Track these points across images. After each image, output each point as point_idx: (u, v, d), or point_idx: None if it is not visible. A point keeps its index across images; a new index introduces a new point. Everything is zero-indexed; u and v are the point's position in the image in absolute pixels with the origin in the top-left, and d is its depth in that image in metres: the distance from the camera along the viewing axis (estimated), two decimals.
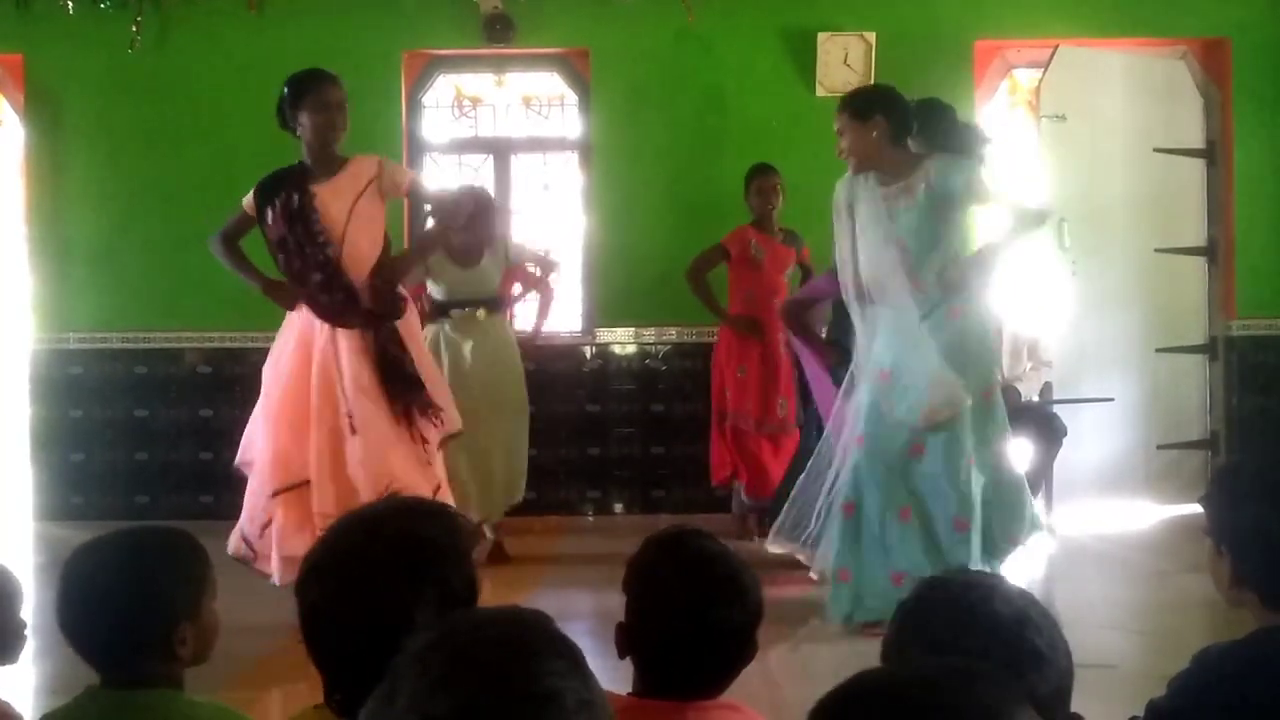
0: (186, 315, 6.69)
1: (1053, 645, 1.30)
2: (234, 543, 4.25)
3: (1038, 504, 5.75)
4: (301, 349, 4.29)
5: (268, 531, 4.19)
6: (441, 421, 4.32)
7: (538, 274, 6.02)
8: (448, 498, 4.24)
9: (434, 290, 5.57)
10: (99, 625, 1.71)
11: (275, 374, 4.36)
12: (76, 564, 1.75)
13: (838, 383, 4.70)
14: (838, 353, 5.11)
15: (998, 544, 4.20)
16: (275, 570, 4.12)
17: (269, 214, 4.34)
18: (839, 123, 4.21)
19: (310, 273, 4.28)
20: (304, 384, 4.25)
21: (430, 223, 5.32)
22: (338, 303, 4.26)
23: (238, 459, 4.43)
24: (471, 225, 5.34)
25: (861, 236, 4.24)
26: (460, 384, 5.13)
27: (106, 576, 1.72)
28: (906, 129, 4.23)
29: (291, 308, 4.37)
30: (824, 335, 5.32)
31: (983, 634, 1.28)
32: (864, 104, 4.21)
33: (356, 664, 1.45)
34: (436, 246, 5.02)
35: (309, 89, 4.30)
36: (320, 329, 4.28)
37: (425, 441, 4.27)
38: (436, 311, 5.55)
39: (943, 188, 4.14)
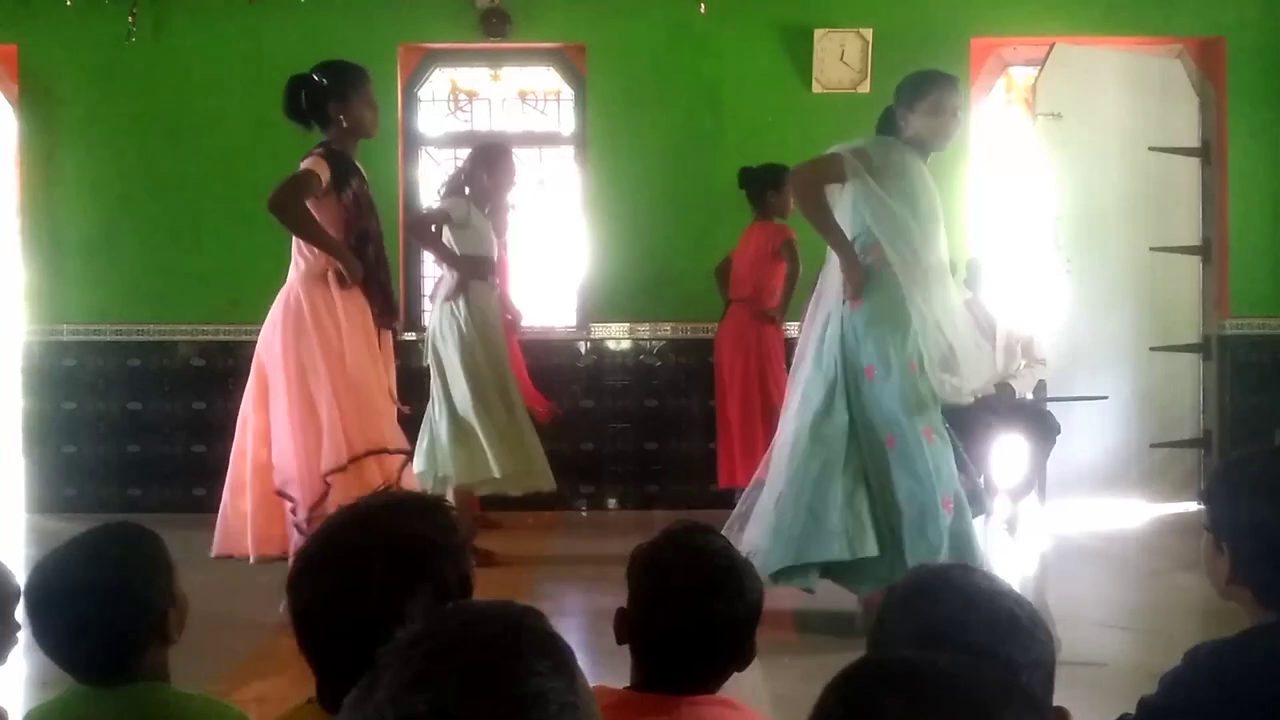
0: (180, 308, 6.68)
1: (1032, 619, 1.33)
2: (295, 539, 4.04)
3: (1027, 510, 5.78)
4: (368, 339, 4.24)
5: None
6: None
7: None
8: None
9: (464, 244, 5.38)
10: (94, 639, 1.69)
11: (358, 361, 4.18)
12: (50, 584, 1.71)
13: None
14: None
15: None
16: None
17: (346, 194, 4.21)
18: (960, 99, 4.19)
19: (382, 268, 4.31)
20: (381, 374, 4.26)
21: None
22: (395, 304, 4.36)
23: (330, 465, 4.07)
24: (495, 175, 5.45)
25: (905, 204, 4.07)
26: (499, 358, 5.39)
27: (92, 590, 1.69)
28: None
29: (355, 284, 4.20)
30: None
31: (965, 604, 1.32)
32: None
33: (349, 660, 1.44)
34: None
35: (361, 82, 4.26)
36: (366, 324, 4.23)
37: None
38: (475, 270, 5.36)
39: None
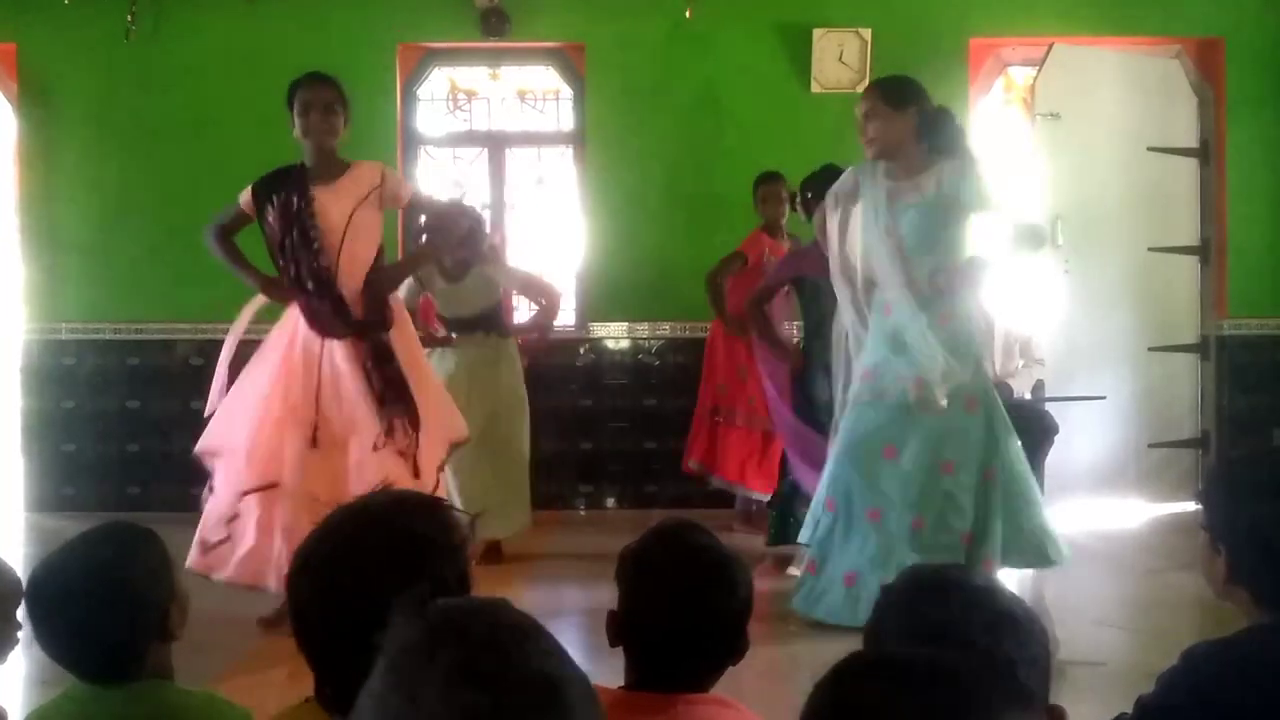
0: (179, 307, 6.68)
1: (1029, 617, 1.34)
2: (193, 555, 4.05)
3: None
4: (292, 349, 4.25)
5: (232, 526, 4.07)
6: (414, 435, 4.21)
7: (539, 301, 5.98)
8: None
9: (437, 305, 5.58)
10: (96, 639, 1.69)
11: (264, 368, 4.28)
12: (50, 585, 1.71)
13: (804, 388, 4.97)
14: (800, 355, 5.15)
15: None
16: (231, 568, 4.03)
17: (269, 213, 4.29)
18: (867, 106, 4.15)
19: (305, 279, 4.25)
20: (291, 384, 4.21)
21: (424, 235, 5.23)
22: (326, 312, 4.23)
23: (201, 446, 4.27)
24: (460, 243, 5.32)
25: (860, 228, 4.21)
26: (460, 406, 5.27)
27: (92, 591, 1.69)
28: (929, 129, 4.19)
29: (286, 303, 4.34)
30: (795, 332, 5.37)
31: (960, 604, 1.32)
32: (900, 94, 4.16)
33: (348, 659, 1.45)
34: (428, 260, 5.03)
35: (296, 90, 4.27)
36: (314, 334, 4.26)
37: (413, 456, 4.20)
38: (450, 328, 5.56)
39: (953, 192, 4.14)
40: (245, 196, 4.37)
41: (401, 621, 0.95)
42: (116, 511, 6.14)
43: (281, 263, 4.30)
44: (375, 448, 4.12)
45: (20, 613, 1.95)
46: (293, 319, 4.30)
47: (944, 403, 4.07)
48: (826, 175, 5.04)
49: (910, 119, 4.14)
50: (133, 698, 1.71)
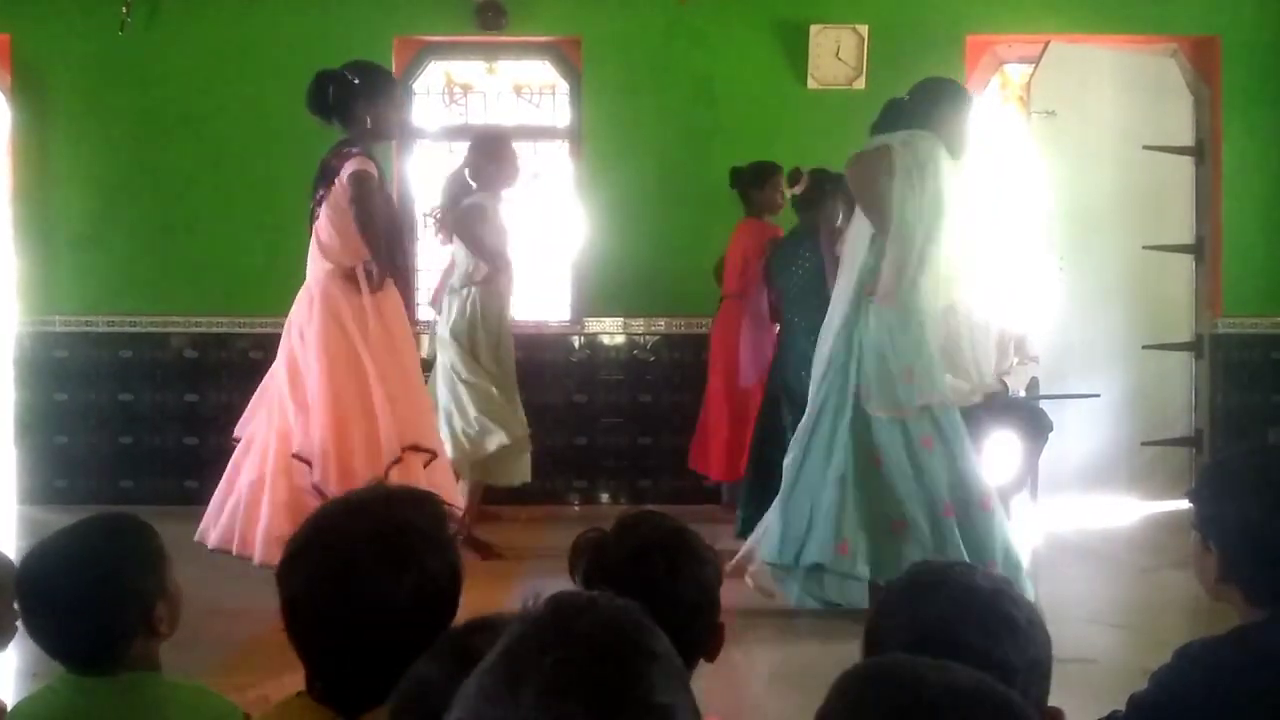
0: (173, 299, 6.66)
1: (1030, 621, 1.34)
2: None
3: (1019, 507, 5.67)
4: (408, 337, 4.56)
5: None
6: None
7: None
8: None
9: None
10: (78, 627, 1.69)
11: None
12: (37, 571, 1.71)
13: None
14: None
15: None
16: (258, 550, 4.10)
17: (384, 193, 4.43)
18: None
19: (405, 266, 4.67)
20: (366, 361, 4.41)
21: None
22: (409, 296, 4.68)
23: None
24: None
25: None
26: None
27: (77, 579, 1.69)
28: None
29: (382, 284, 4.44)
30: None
31: (961, 603, 1.32)
32: None
33: (338, 652, 1.44)
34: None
35: (391, 86, 4.38)
36: (404, 322, 4.48)
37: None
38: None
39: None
40: (375, 172, 4.26)
41: (532, 605, 0.90)
42: (109, 504, 6.11)
43: (386, 246, 4.27)
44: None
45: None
46: (371, 306, 4.24)
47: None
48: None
49: None
50: (118, 689, 1.71)
